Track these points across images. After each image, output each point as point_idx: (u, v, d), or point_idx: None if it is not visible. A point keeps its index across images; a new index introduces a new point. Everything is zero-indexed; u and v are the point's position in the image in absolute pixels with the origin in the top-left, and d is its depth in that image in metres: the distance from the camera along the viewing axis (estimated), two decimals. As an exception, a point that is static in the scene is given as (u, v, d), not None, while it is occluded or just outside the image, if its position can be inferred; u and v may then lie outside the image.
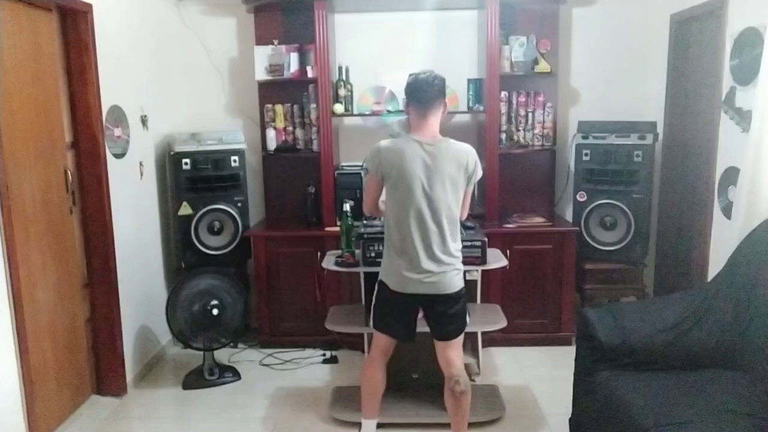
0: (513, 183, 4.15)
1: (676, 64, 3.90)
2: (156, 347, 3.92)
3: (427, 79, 2.55)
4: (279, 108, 4.11)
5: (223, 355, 3.83)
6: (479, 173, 2.61)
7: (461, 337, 2.68)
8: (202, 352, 3.59)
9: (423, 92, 2.54)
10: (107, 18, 3.27)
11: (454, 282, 2.57)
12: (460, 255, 2.61)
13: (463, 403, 2.67)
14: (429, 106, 2.54)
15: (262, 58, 3.98)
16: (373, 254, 3.03)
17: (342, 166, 4.01)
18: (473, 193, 2.74)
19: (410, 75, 2.61)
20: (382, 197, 2.65)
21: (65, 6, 3.01)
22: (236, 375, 3.65)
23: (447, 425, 2.78)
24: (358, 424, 2.92)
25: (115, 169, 3.37)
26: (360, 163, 3.95)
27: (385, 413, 3.00)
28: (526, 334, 3.91)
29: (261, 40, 4.04)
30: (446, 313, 2.60)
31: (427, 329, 2.69)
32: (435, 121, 2.57)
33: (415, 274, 2.52)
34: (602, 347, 2.53)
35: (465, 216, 2.72)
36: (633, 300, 3.86)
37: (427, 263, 2.51)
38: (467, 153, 2.56)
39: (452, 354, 2.65)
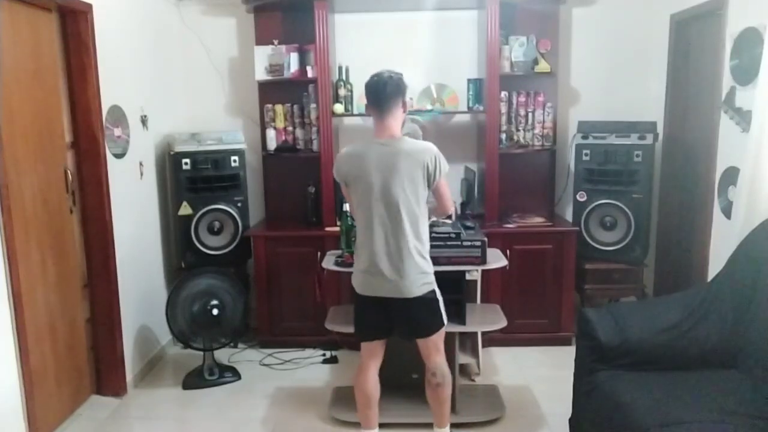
0: (513, 183, 4.15)
1: (676, 64, 3.90)
2: (156, 347, 3.92)
3: (380, 80, 2.54)
4: (279, 108, 4.11)
5: (223, 355, 3.83)
6: (444, 168, 2.55)
7: (439, 335, 2.66)
8: (202, 352, 3.59)
9: (376, 94, 2.54)
10: (107, 18, 3.27)
11: (419, 285, 2.52)
12: (426, 258, 2.56)
13: (440, 394, 2.69)
14: (384, 108, 2.54)
15: (262, 58, 3.98)
16: (373, 254, 3.02)
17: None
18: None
19: (370, 77, 2.60)
20: None
21: (65, 6, 3.01)
22: (236, 375, 3.65)
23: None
24: (358, 425, 2.92)
25: (115, 169, 3.37)
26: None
27: (385, 413, 3.00)
28: (526, 334, 3.91)
29: (261, 40, 4.04)
30: (412, 317, 2.59)
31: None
32: (393, 121, 2.56)
33: (376, 277, 2.51)
34: (602, 347, 2.53)
35: (450, 210, 2.71)
36: (633, 300, 3.86)
37: (386, 265, 2.49)
38: (425, 150, 2.52)
39: (430, 348, 2.65)
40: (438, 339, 2.66)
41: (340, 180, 2.63)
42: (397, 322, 2.63)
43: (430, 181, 2.53)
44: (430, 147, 2.56)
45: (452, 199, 2.70)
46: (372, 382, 2.72)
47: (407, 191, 2.49)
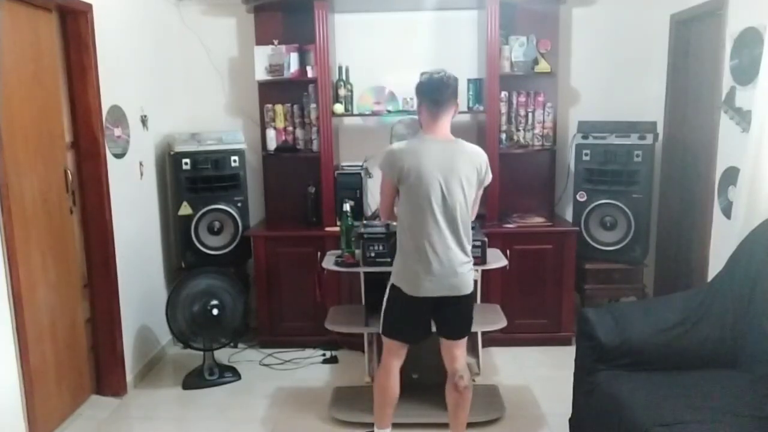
0: (513, 183, 4.15)
1: (676, 64, 3.90)
2: (156, 347, 3.92)
3: (441, 78, 2.53)
4: (279, 108, 4.11)
5: (223, 355, 3.83)
6: (490, 176, 2.62)
7: (467, 336, 2.69)
8: (202, 352, 3.59)
9: (438, 92, 2.52)
10: (107, 18, 3.27)
11: (470, 282, 2.57)
12: (471, 257, 2.61)
13: (465, 398, 2.67)
14: (443, 107, 2.53)
15: (262, 58, 3.98)
16: (373, 254, 3.02)
17: (342, 166, 4.01)
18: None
19: (423, 74, 2.58)
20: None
21: (65, 6, 3.01)
22: (236, 375, 3.65)
23: (447, 425, 2.78)
24: (358, 424, 2.93)
25: (115, 169, 3.37)
26: (360, 164, 3.95)
27: (385, 413, 3.01)
28: (526, 334, 3.91)
29: (261, 40, 4.04)
30: (460, 314, 2.61)
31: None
32: (447, 121, 2.57)
33: (432, 277, 2.49)
34: (602, 347, 2.53)
35: (473, 218, 2.71)
36: (633, 300, 3.86)
37: (444, 265, 2.49)
38: (480, 155, 2.57)
39: (458, 351, 2.66)
40: (465, 340, 2.69)
41: (391, 175, 2.53)
42: (445, 320, 2.62)
43: (479, 185, 2.57)
44: (483, 152, 2.60)
45: (477, 209, 2.72)
46: (396, 383, 2.72)
47: (464, 192, 2.50)
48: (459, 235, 2.51)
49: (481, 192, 2.65)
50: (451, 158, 2.49)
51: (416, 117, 3.78)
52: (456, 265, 2.50)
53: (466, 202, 2.52)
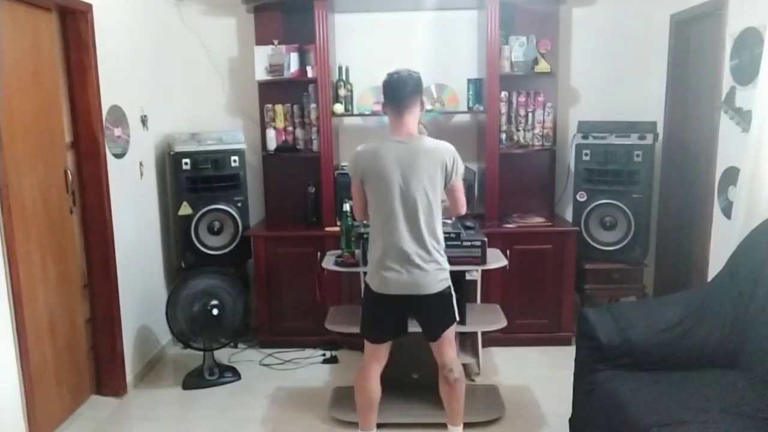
0: (513, 183, 4.15)
1: (676, 64, 3.90)
2: (156, 347, 3.92)
3: (400, 78, 2.55)
4: (279, 108, 4.11)
5: (223, 355, 3.83)
6: (460, 168, 2.58)
7: (452, 330, 2.67)
8: (202, 352, 3.59)
9: (396, 92, 2.54)
10: (107, 18, 3.27)
11: (436, 281, 2.54)
12: (442, 254, 2.58)
13: (456, 390, 2.68)
14: (403, 105, 2.54)
15: (262, 58, 3.98)
16: (373, 254, 3.02)
17: (342, 166, 4.01)
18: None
19: (387, 74, 2.61)
20: None
21: (65, 6, 3.01)
22: (236, 375, 3.65)
23: (446, 425, 2.78)
24: (358, 425, 2.92)
25: (115, 169, 3.37)
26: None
27: (385, 413, 3.00)
28: (526, 334, 3.91)
29: (261, 40, 4.04)
30: (430, 314, 2.60)
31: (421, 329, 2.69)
32: (411, 119, 2.56)
33: (395, 275, 2.51)
34: (602, 347, 2.53)
35: (462, 210, 2.70)
36: (633, 300, 3.86)
37: (406, 263, 2.49)
38: (444, 150, 2.54)
39: (444, 346, 2.65)
40: (451, 334, 2.67)
41: (355, 177, 2.60)
42: (418, 320, 2.63)
43: (447, 181, 2.55)
44: (449, 146, 2.57)
45: (464, 201, 2.70)
46: (374, 385, 2.72)
47: (426, 189, 2.49)
48: (420, 234, 2.50)
49: (459, 184, 2.61)
50: (411, 157, 2.49)
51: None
52: (418, 263, 2.49)
53: (430, 201, 2.51)
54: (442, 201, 2.62)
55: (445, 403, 2.74)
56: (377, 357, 2.70)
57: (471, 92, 4.01)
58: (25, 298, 2.68)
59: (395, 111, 2.56)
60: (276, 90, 4.11)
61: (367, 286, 2.65)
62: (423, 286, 2.52)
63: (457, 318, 2.68)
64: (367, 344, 2.71)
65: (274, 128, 4.11)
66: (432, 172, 2.50)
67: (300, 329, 3.98)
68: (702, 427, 2.04)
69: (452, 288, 2.63)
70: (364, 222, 2.95)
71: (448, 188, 2.58)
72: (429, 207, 2.51)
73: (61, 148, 3.11)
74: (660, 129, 3.93)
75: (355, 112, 4.07)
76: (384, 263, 2.53)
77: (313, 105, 4.02)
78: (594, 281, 3.92)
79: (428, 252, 2.52)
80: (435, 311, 2.60)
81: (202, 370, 3.58)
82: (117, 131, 3.42)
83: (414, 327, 2.70)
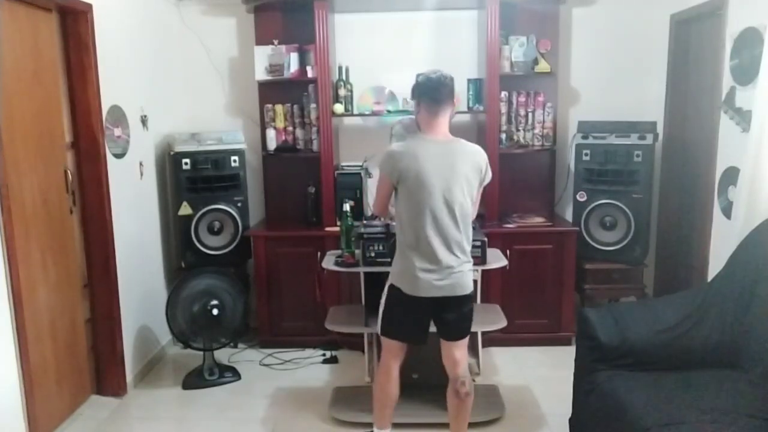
0: (513, 183, 4.15)
1: (676, 64, 3.90)
2: (156, 347, 3.92)
3: (440, 78, 2.55)
4: (279, 108, 4.11)
5: (223, 355, 3.83)
6: (490, 175, 2.62)
7: (467, 337, 2.68)
8: (202, 352, 3.59)
9: (436, 91, 2.54)
10: (107, 18, 3.27)
11: (469, 283, 2.57)
12: (470, 257, 2.61)
13: (466, 405, 2.67)
14: (442, 105, 2.54)
15: (262, 58, 3.98)
16: (373, 254, 3.02)
17: (342, 166, 4.01)
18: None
19: (419, 74, 2.61)
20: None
21: (65, 6, 3.01)
22: (236, 375, 3.65)
23: (447, 425, 2.78)
24: (358, 424, 2.92)
25: (115, 169, 3.37)
26: (360, 164, 3.94)
27: (385, 413, 3.00)
28: (526, 334, 3.91)
29: (261, 40, 4.04)
30: (461, 314, 2.60)
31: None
32: (445, 120, 2.57)
33: (432, 277, 2.49)
34: (602, 347, 2.53)
35: (474, 215, 2.71)
36: (633, 300, 3.86)
37: (445, 265, 2.48)
38: (481, 154, 2.57)
39: (459, 354, 2.64)
40: (466, 343, 2.68)
41: (390, 176, 2.53)
42: (445, 321, 2.61)
43: (480, 184, 2.57)
44: (483, 151, 2.59)
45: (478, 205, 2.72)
46: (396, 383, 2.72)
47: (464, 192, 2.50)
48: (459, 236, 2.50)
49: (480, 190, 2.65)
50: (451, 159, 2.49)
51: (410, 116, 3.80)
52: (455, 265, 2.50)
53: (467, 203, 2.52)
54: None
55: (452, 415, 2.71)
56: (398, 356, 2.70)
57: (471, 92, 4.01)
58: (25, 298, 2.67)
59: (432, 110, 2.54)
60: (276, 90, 4.11)
61: (394, 288, 2.60)
62: (460, 287, 2.53)
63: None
64: (389, 344, 2.68)
65: (274, 128, 4.11)
66: (470, 175, 2.51)
67: (300, 329, 3.98)
68: (702, 427, 2.04)
69: None
70: (379, 217, 2.93)
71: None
72: (465, 210, 2.51)
73: (61, 148, 3.11)
74: (660, 129, 3.93)
75: (355, 112, 4.07)
76: (420, 266, 2.49)
77: (313, 105, 4.02)
78: (594, 281, 3.92)
79: (464, 253, 2.54)
80: (464, 311, 2.61)
81: (202, 370, 3.58)
82: (117, 131, 3.42)
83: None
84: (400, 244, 2.58)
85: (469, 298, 2.60)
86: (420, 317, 2.62)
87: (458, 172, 2.48)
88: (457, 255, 2.51)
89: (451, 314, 2.60)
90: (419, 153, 2.49)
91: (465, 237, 2.54)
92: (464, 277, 2.54)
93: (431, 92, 2.55)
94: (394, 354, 2.69)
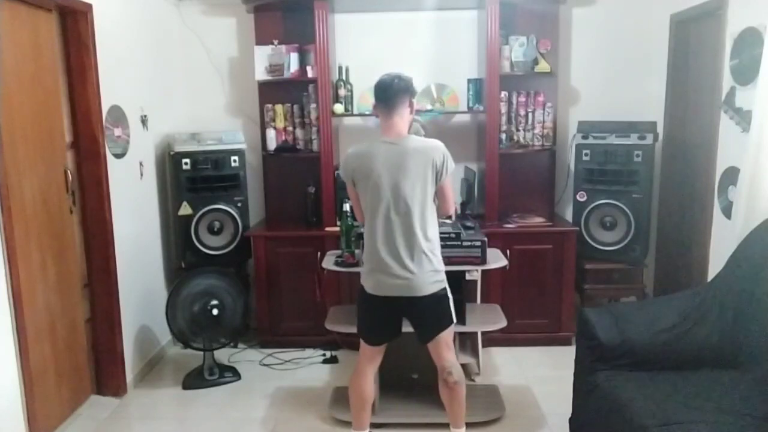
0: (513, 183, 4.15)
1: (676, 64, 3.90)
2: (156, 347, 3.92)
3: (388, 79, 2.56)
4: (279, 108, 4.11)
5: (223, 355, 3.83)
6: (451, 166, 2.56)
7: (449, 332, 2.64)
8: (202, 352, 3.59)
9: (385, 92, 2.55)
10: (107, 18, 3.27)
11: (430, 283, 2.52)
12: (436, 255, 2.57)
13: (457, 393, 2.66)
14: (392, 106, 2.54)
15: (262, 58, 3.98)
16: (373, 254, 3.02)
17: (341, 168, 4.01)
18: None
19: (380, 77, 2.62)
20: None
21: (65, 6, 3.01)
22: (236, 375, 3.65)
23: (447, 425, 2.78)
24: (351, 424, 2.92)
25: (115, 169, 3.37)
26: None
27: (385, 413, 3.01)
28: (526, 334, 3.91)
29: (261, 40, 4.04)
30: (423, 315, 2.59)
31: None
32: (400, 120, 2.56)
33: (388, 276, 2.50)
34: (602, 347, 2.53)
35: (451, 210, 2.70)
36: (633, 300, 3.86)
37: (397, 265, 2.48)
38: (434, 148, 2.53)
39: (441, 349, 2.63)
40: (448, 337, 2.65)
41: (346, 179, 2.61)
42: (411, 322, 2.62)
43: (438, 179, 2.54)
44: (439, 144, 2.56)
45: (454, 200, 2.70)
46: (369, 386, 2.72)
47: (416, 189, 2.48)
48: (413, 236, 2.48)
49: (448, 183, 2.60)
50: (401, 157, 2.49)
51: (418, 118, 3.81)
52: (410, 265, 2.48)
53: (421, 201, 2.50)
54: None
55: (447, 406, 2.72)
56: (371, 359, 2.70)
57: (471, 92, 4.01)
58: (25, 298, 2.67)
59: (384, 112, 2.56)
60: (276, 90, 4.11)
61: (361, 287, 2.64)
62: (415, 288, 2.50)
63: (454, 320, 2.64)
64: (362, 345, 2.71)
65: (274, 128, 4.12)
66: (422, 172, 2.49)
67: (300, 329, 3.98)
68: (702, 427, 2.04)
69: (448, 290, 2.61)
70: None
71: (438, 187, 2.56)
72: (421, 207, 2.50)
73: (61, 148, 3.11)
74: (660, 129, 3.93)
75: (355, 112, 4.08)
76: (377, 265, 2.52)
77: (313, 105, 4.03)
78: (594, 281, 3.92)
79: (420, 253, 2.49)
80: (429, 313, 2.58)
81: (202, 370, 3.58)
82: (117, 131, 3.42)
83: (408, 327, 2.67)
84: (364, 244, 2.63)
85: (431, 301, 2.54)
86: (383, 317, 2.62)
87: (408, 169, 2.47)
88: (413, 254, 2.48)
89: (414, 315, 2.59)
90: (370, 153, 2.51)
91: (423, 236, 2.50)
92: (420, 278, 2.49)
93: (380, 93, 2.57)
94: (367, 356, 2.70)
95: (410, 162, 2.48)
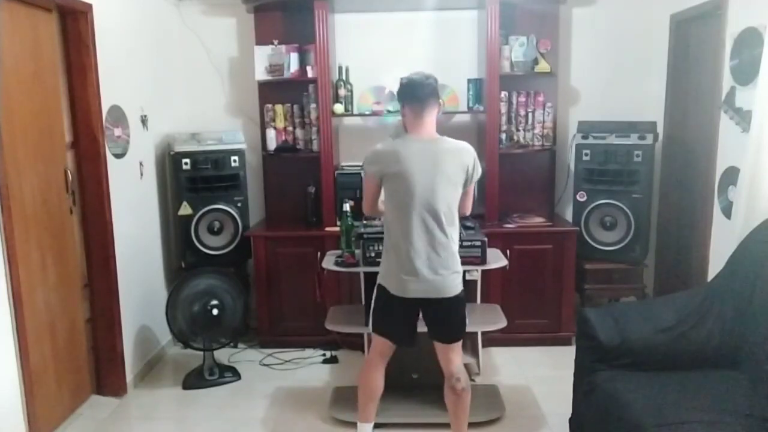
0: (513, 183, 4.15)
1: (676, 64, 3.90)
2: (156, 347, 3.91)
3: (421, 78, 2.55)
4: (279, 108, 4.11)
5: (223, 355, 3.83)
6: (479, 171, 2.60)
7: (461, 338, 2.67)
8: (202, 352, 3.59)
9: (418, 91, 2.54)
10: (107, 18, 3.27)
11: (455, 285, 2.54)
12: (458, 257, 2.58)
13: (463, 400, 2.66)
14: (424, 105, 2.54)
15: (262, 58, 3.98)
16: (373, 254, 3.03)
17: (342, 166, 4.01)
18: (474, 191, 2.73)
19: (402, 78, 2.62)
20: (381, 197, 2.64)
21: (65, 6, 3.01)
22: (236, 375, 3.65)
23: (447, 425, 2.78)
24: (358, 417, 2.92)
25: (115, 169, 3.37)
26: (360, 164, 3.93)
27: (385, 413, 3.00)
28: (526, 334, 3.91)
29: (261, 40, 4.04)
30: (447, 316, 2.59)
31: (426, 329, 2.67)
32: (431, 120, 2.57)
33: (414, 277, 2.49)
34: (602, 347, 2.53)
35: (468, 212, 2.71)
36: (633, 300, 3.86)
37: (426, 266, 2.48)
38: (467, 151, 2.55)
39: (452, 354, 2.64)
40: (460, 342, 2.66)
41: (374, 176, 2.56)
42: (432, 323, 2.61)
43: (467, 183, 2.55)
44: (470, 148, 2.57)
45: (472, 201, 2.71)
46: (379, 379, 2.73)
47: (448, 191, 2.49)
48: (442, 238, 2.49)
49: (473, 187, 2.63)
50: (434, 157, 2.49)
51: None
52: (438, 266, 2.48)
53: (451, 203, 2.51)
54: None
55: (451, 412, 2.71)
56: (384, 354, 2.71)
57: (471, 92, 4.01)
58: (25, 298, 2.67)
59: (416, 110, 2.54)
60: (276, 90, 4.11)
61: (382, 287, 2.61)
62: (442, 290, 2.51)
63: (467, 323, 2.66)
64: (377, 340, 2.69)
65: (274, 128, 4.12)
66: (454, 174, 2.50)
67: (300, 329, 3.98)
68: (702, 428, 2.04)
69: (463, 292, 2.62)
70: (372, 216, 2.93)
71: (465, 190, 2.58)
72: (450, 209, 2.50)
73: (61, 148, 3.11)
74: (660, 129, 3.93)
75: (355, 112, 4.08)
76: (403, 266, 2.50)
77: (313, 105, 4.03)
78: (594, 281, 3.92)
79: (448, 255, 2.51)
80: (452, 314, 2.59)
81: (202, 370, 3.58)
82: (117, 131, 3.42)
83: (421, 327, 2.66)
84: (386, 244, 2.61)
85: (457, 301, 2.56)
86: (406, 318, 2.61)
87: (441, 170, 2.47)
88: (442, 256, 2.48)
89: (438, 317, 2.59)
90: (402, 152, 2.49)
91: (449, 239, 2.51)
92: (448, 279, 2.51)
93: (413, 93, 2.55)
94: (381, 351, 2.70)
95: (444, 163, 2.48)
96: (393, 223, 2.55)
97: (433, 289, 2.51)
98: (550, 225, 3.93)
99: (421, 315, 2.63)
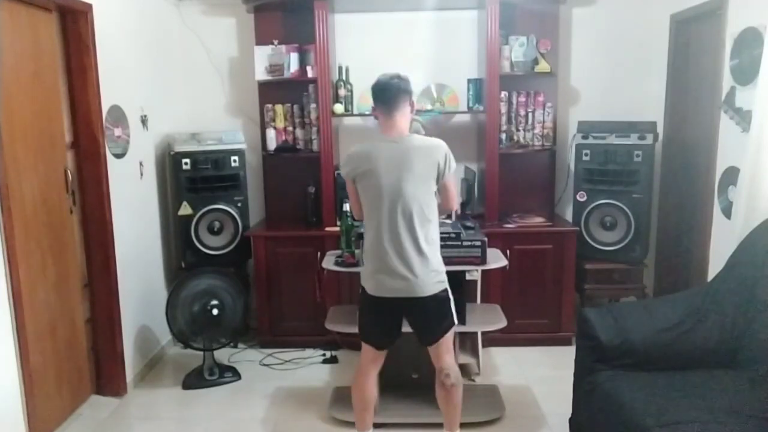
0: (513, 183, 4.15)
1: (676, 64, 3.90)
2: (156, 347, 3.92)
3: (386, 79, 2.57)
4: (279, 108, 4.11)
5: (223, 355, 3.83)
6: (453, 165, 2.57)
7: (450, 335, 2.64)
8: (202, 352, 3.59)
9: (385, 92, 2.55)
10: (107, 18, 3.27)
11: (432, 284, 2.51)
12: (437, 255, 2.56)
13: (453, 396, 2.65)
14: (392, 106, 2.54)
15: (262, 58, 3.98)
16: (373, 254, 3.02)
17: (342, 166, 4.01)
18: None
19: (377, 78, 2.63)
20: None
21: (65, 6, 3.01)
22: (236, 375, 3.65)
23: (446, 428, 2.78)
24: (355, 424, 2.92)
25: (115, 169, 3.37)
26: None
27: (385, 413, 3.01)
28: (526, 334, 3.91)
29: (261, 40, 4.04)
30: (425, 317, 2.58)
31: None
32: (402, 119, 2.56)
33: (387, 276, 2.48)
34: (602, 347, 2.53)
35: (454, 207, 2.70)
36: (633, 300, 3.86)
37: (399, 265, 2.47)
38: (437, 148, 2.53)
39: (440, 350, 2.62)
40: (449, 339, 2.64)
41: (347, 177, 2.60)
42: (410, 323, 2.61)
43: (439, 177, 2.54)
44: (441, 143, 2.56)
45: (457, 196, 2.69)
46: (371, 387, 2.71)
47: (419, 189, 2.48)
48: (416, 235, 2.47)
49: (453, 182, 2.62)
50: (402, 156, 2.48)
51: (417, 117, 3.81)
52: (413, 264, 2.47)
53: (424, 201, 2.49)
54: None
55: (442, 408, 2.71)
56: (374, 360, 2.69)
57: (471, 92, 4.01)
58: (25, 298, 2.67)
59: (385, 111, 2.55)
60: (276, 90, 4.11)
61: (363, 289, 2.63)
62: (417, 289, 2.49)
63: (456, 322, 2.64)
64: (365, 347, 2.69)
65: (274, 128, 4.12)
66: (424, 171, 2.49)
67: (300, 329, 3.98)
68: (702, 427, 2.04)
69: (449, 291, 2.60)
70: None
71: (440, 185, 2.56)
72: (422, 207, 2.49)
73: (61, 148, 3.11)
74: (660, 129, 3.93)
75: (355, 112, 4.08)
76: (378, 266, 2.51)
77: (313, 105, 4.03)
78: (594, 281, 3.92)
79: (422, 253, 2.48)
80: (431, 315, 2.57)
81: (202, 370, 3.58)
82: (117, 131, 3.42)
83: (407, 327, 2.66)
84: (364, 244, 2.62)
85: (434, 301, 2.53)
86: (385, 318, 2.60)
87: (409, 168, 2.47)
88: (414, 255, 2.47)
89: (417, 317, 2.58)
90: (373, 153, 2.51)
91: (424, 236, 2.49)
92: (421, 279, 2.48)
93: (380, 93, 2.57)
94: (369, 358, 2.68)
95: (413, 161, 2.48)
96: (367, 222, 2.57)
97: (408, 288, 2.49)
98: (550, 225, 3.93)
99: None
